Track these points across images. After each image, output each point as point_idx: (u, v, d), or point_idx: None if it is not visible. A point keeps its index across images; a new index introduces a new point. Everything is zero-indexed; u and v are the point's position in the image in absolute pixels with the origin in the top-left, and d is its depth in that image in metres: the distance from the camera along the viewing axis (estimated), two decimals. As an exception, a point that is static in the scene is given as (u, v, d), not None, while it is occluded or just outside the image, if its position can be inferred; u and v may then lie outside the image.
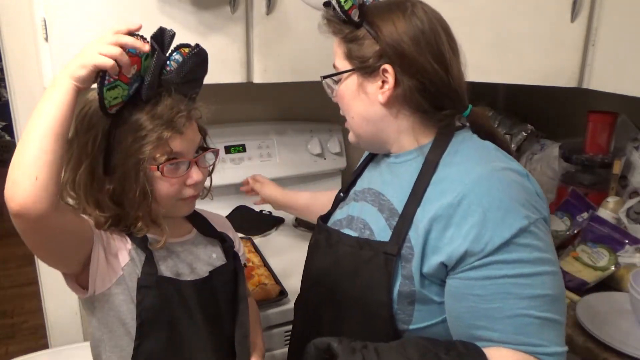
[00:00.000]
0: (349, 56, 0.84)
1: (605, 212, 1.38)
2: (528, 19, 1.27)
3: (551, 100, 1.78)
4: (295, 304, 1.02)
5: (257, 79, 1.35)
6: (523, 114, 1.85)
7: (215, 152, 0.88)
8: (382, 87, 0.82)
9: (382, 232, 0.81)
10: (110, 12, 1.15)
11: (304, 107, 1.80)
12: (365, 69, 0.82)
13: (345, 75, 0.85)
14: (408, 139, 0.85)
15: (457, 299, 0.74)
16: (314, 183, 1.78)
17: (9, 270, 3.10)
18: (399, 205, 0.81)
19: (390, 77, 0.80)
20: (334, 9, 0.81)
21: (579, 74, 1.25)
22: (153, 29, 0.85)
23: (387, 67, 0.80)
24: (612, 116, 1.49)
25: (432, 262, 0.74)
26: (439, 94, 0.81)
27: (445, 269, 0.74)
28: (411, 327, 0.77)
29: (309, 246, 0.97)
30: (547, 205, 0.78)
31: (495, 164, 0.77)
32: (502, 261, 0.70)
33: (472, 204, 0.72)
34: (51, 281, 1.40)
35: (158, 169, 0.77)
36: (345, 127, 0.95)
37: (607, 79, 1.20)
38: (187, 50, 0.80)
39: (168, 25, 1.19)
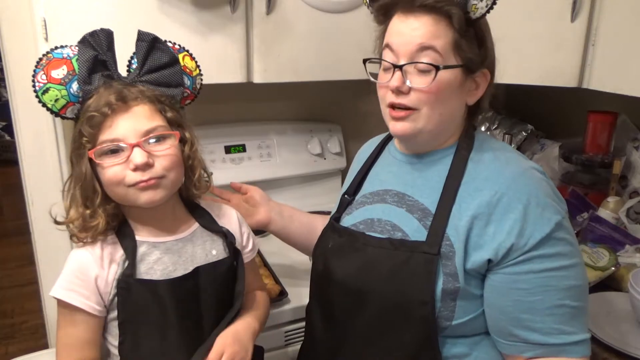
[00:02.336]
0: (458, 48, 0.79)
1: (605, 212, 1.38)
2: (528, 19, 1.27)
3: (551, 100, 1.78)
4: (308, 307, 0.99)
5: (257, 79, 1.35)
6: (523, 114, 1.85)
7: (171, 136, 0.81)
8: (475, 89, 0.83)
9: (416, 232, 0.81)
10: (110, 12, 1.15)
11: (304, 107, 1.80)
12: (470, 67, 0.81)
13: (450, 68, 0.79)
14: (451, 138, 0.86)
15: (502, 294, 0.77)
16: (314, 183, 1.78)
17: (9, 270, 3.10)
18: (431, 205, 0.82)
19: (484, 83, 0.83)
20: None
21: (579, 74, 1.25)
22: (153, 29, 0.86)
23: (487, 72, 0.83)
24: (612, 116, 1.49)
25: (476, 258, 0.77)
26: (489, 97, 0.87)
27: (488, 264, 0.77)
28: (454, 322, 0.79)
29: (324, 249, 0.93)
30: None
31: (521, 164, 0.82)
32: (544, 255, 0.75)
33: (512, 201, 0.76)
34: (51, 281, 1.40)
35: (88, 155, 0.78)
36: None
37: (607, 79, 1.20)
38: None
39: (168, 25, 1.21)
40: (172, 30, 1.20)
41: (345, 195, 0.98)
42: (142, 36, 0.81)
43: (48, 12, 1.11)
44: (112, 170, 0.78)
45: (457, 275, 0.77)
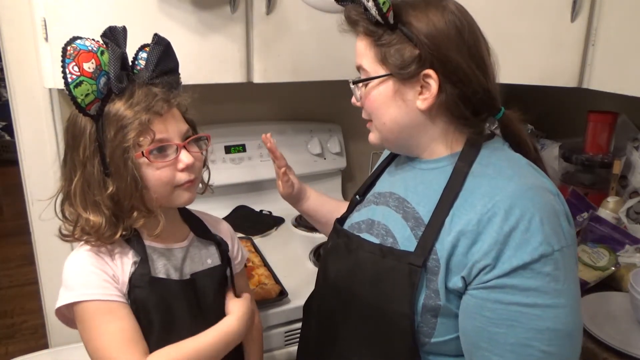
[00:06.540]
0: (384, 60, 0.77)
1: (605, 212, 1.38)
2: (528, 19, 1.27)
3: (551, 100, 1.78)
4: (305, 304, 1.00)
5: (257, 79, 1.35)
6: (523, 114, 1.84)
7: (205, 138, 0.88)
8: (422, 93, 0.77)
9: (406, 241, 0.78)
10: (110, 12, 1.15)
11: (304, 107, 1.80)
12: (404, 74, 0.76)
13: (377, 80, 0.79)
14: (441, 145, 0.81)
15: (467, 316, 0.72)
16: (314, 183, 1.78)
17: (9, 270, 3.10)
18: (425, 214, 0.77)
19: (434, 84, 0.75)
20: (365, 9, 0.74)
21: (579, 74, 1.25)
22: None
23: (430, 72, 0.75)
24: (612, 116, 1.50)
25: (456, 277, 0.72)
26: (479, 100, 0.78)
27: (465, 283, 0.71)
28: (433, 340, 0.75)
29: (325, 249, 0.95)
30: (574, 229, 0.74)
31: (528, 181, 0.73)
32: (517, 287, 0.68)
33: (501, 222, 0.69)
34: (51, 281, 1.40)
35: (143, 155, 0.77)
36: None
37: (607, 79, 1.20)
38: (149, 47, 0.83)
39: (168, 25, 1.21)
40: (172, 30, 1.20)
41: (357, 196, 0.98)
42: (159, 40, 0.83)
43: (48, 12, 1.11)
44: (164, 170, 0.80)
45: (439, 292, 0.72)
